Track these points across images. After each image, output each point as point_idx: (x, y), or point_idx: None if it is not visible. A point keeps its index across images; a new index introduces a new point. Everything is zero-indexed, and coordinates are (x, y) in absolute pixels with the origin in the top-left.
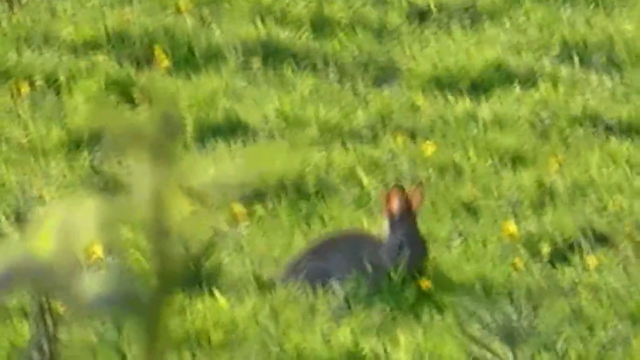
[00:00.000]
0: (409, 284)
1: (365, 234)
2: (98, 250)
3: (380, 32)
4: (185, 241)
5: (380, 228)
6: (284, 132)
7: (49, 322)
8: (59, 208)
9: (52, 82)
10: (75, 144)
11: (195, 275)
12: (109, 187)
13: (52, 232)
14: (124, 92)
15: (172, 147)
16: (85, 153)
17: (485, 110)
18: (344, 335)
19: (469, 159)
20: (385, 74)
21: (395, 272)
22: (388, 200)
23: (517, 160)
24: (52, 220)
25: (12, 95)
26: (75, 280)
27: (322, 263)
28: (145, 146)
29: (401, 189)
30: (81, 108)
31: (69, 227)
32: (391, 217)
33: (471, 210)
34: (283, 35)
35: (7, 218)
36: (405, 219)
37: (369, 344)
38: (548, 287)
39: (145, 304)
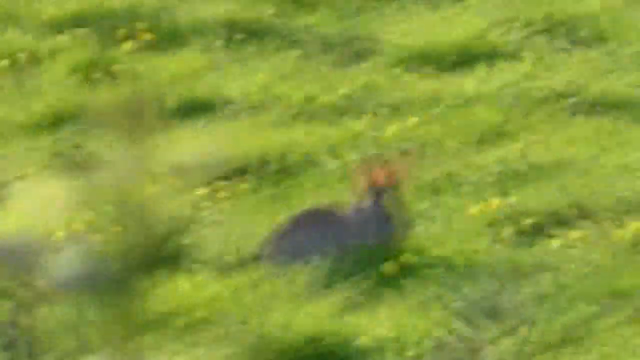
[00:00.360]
0: (390, 258)
1: (346, 207)
2: (69, 229)
3: (363, 6)
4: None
5: (362, 201)
6: (266, 107)
7: (26, 297)
8: (31, 187)
9: (32, 57)
10: (56, 120)
11: (175, 252)
12: (87, 165)
13: (22, 212)
14: (106, 68)
15: (144, 125)
16: (67, 129)
17: (468, 84)
18: (321, 309)
19: (451, 133)
20: (367, 48)
21: (380, 246)
22: (369, 172)
23: (499, 133)
24: (23, 199)
25: None
26: (45, 259)
27: (300, 236)
28: (118, 124)
29: (382, 159)
30: (62, 84)
31: (39, 206)
32: (373, 189)
33: (454, 184)
34: (266, 11)
35: None
36: (388, 190)
37: (346, 318)
38: (527, 261)
39: (116, 283)
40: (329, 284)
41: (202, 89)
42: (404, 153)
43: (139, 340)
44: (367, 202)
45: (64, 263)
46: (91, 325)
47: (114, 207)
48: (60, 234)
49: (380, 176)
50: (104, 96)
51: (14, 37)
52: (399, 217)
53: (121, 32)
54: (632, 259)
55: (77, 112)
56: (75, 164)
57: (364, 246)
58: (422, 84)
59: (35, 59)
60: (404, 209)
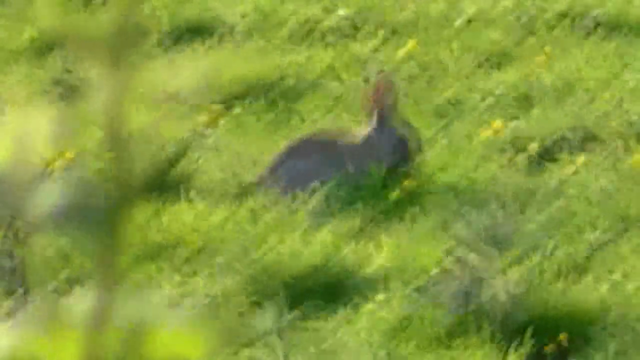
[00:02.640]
0: (392, 184)
1: (346, 131)
2: (62, 158)
3: None
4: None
5: (365, 124)
6: (261, 30)
7: (18, 229)
8: (22, 115)
9: None
10: (46, 45)
11: (170, 178)
12: (79, 91)
13: (9, 141)
14: None
15: (139, 50)
16: (56, 54)
17: (469, 5)
18: (324, 238)
19: (452, 55)
20: None
21: (386, 171)
22: (376, 91)
23: (502, 56)
24: (14, 127)
25: None
26: (37, 188)
27: (302, 163)
28: (105, 50)
29: (389, 78)
30: (51, 7)
31: (26, 135)
32: (381, 109)
33: (455, 107)
34: None
35: None
36: (395, 110)
37: (350, 247)
38: (535, 186)
39: (105, 215)
40: (331, 212)
41: (198, 12)
42: (385, 75)
43: (134, 270)
44: (375, 123)
45: (56, 192)
46: (84, 255)
47: (107, 135)
48: (53, 162)
49: (387, 94)
50: (95, 21)
51: None
52: (411, 139)
53: None
54: None
55: (66, 37)
56: (67, 91)
57: (368, 172)
58: (423, 4)
59: None
60: (414, 131)
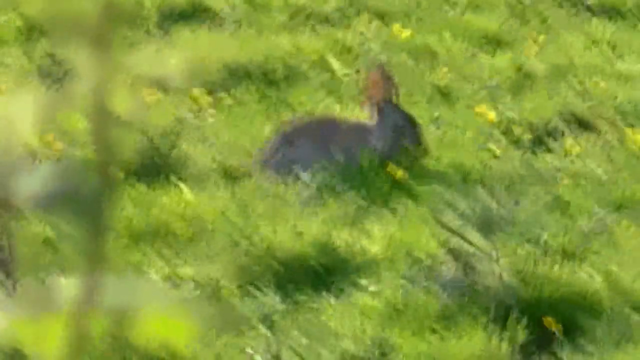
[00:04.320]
0: (382, 172)
1: (338, 119)
2: (45, 145)
3: None
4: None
5: (364, 112)
6: (250, 17)
7: (5, 216)
8: (5, 100)
9: None
10: (32, 32)
11: (159, 167)
12: (63, 76)
13: None
14: None
15: (120, 36)
16: (42, 41)
17: None
18: (315, 227)
19: (443, 42)
20: None
21: (373, 159)
22: (373, 80)
23: (494, 42)
24: None
25: None
26: (17, 177)
27: (293, 150)
28: (91, 35)
29: (385, 69)
30: None
31: (12, 121)
32: (379, 98)
33: (447, 95)
34: None
35: None
36: (391, 99)
37: (341, 236)
38: (527, 175)
39: (88, 201)
40: (319, 199)
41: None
42: (382, 66)
43: (121, 258)
44: (373, 111)
45: (43, 179)
46: (71, 242)
47: (93, 121)
48: (39, 149)
49: (385, 83)
50: (81, 5)
51: None
52: (414, 123)
53: None
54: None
55: (53, 23)
56: (53, 76)
57: (356, 159)
58: None
59: None
60: (414, 119)
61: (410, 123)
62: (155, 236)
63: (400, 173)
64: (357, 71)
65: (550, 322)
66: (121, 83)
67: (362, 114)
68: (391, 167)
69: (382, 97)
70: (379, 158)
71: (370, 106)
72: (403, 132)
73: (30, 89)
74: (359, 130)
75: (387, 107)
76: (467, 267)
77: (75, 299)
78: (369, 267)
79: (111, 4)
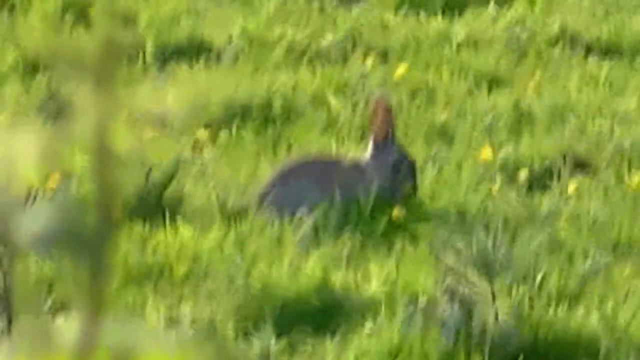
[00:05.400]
0: (380, 212)
1: (335, 157)
2: (46, 182)
3: None
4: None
5: (360, 149)
6: (249, 54)
7: (3, 253)
8: (3, 137)
9: (6, 1)
10: (30, 67)
11: (156, 204)
12: (62, 113)
13: None
14: (81, 12)
15: (118, 72)
16: (41, 77)
17: (459, 29)
18: (312, 267)
19: (442, 80)
20: None
21: (370, 197)
22: (378, 111)
23: (492, 81)
24: None
25: None
26: (17, 214)
27: (290, 189)
28: (89, 70)
29: (386, 101)
30: (36, 29)
31: (12, 158)
32: (377, 133)
33: (445, 134)
34: None
35: None
36: (392, 135)
37: (339, 275)
38: (525, 215)
39: (89, 240)
40: (319, 239)
41: (185, 34)
42: (381, 98)
43: (119, 297)
44: (373, 150)
45: (42, 217)
46: (70, 281)
47: (93, 158)
48: (39, 186)
49: (386, 118)
50: (79, 42)
51: None
52: (411, 161)
53: None
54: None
55: (51, 59)
56: (52, 113)
57: (354, 198)
58: (413, 29)
59: (8, 5)
60: (411, 158)
61: (407, 160)
62: (152, 274)
63: (397, 212)
64: (355, 105)
65: None
66: (120, 120)
67: (359, 151)
68: (388, 206)
69: (384, 132)
70: (377, 196)
71: (369, 142)
72: (400, 169)
73: (28, 124)
74: (357, 168)
75: (386, 143)
76: (465, 307)
77: (75, 340)
78: (366, 307)
79: (109, 41)
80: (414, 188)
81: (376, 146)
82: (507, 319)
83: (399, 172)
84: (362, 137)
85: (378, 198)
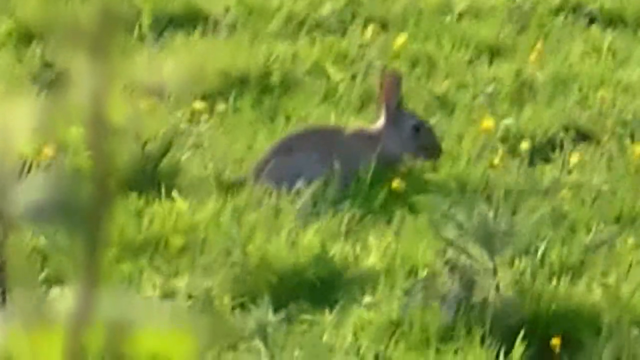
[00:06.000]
0: (380, 183)
1: (339, 127)
2: (39, 153)
3: None
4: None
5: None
6: (246, 23)
7: None
8: None
9: None
10: (25, 37)
11: (152, 176)
12: (60, 82)
13: None
14: None
15: (115, 42)
16: (36, 46)
17: None
18: (310, 239)
19: (442, 50)
20: None
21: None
22: (385, 85)
23: (493, 51)
24: None
25: None
26: (11, 187)
27: (289, 160)
28: (85, 40)
29: (398, 74)
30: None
31: (6, 129)
32: (390, 103)
33: (445, 105)
34: None
35: None
36: (401, 104)
37: (337, 248)
38: (527, 187)
39: (84, 212)
40: (317, 211)
41: (181, 4)
42: (392, 72)
43: (114, 270)
44: (384, 117)
45: (36, 189)
46: (64, 253)
47: (88, 129)
48: (33, 157)
49: (396, 89)
50: (74, 11)
51: None
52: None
53: None
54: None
55: (46, 28)
56: (47, 83)
57: (354, 169)
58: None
59: None
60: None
61: (425, 123)
62: (148, 246)
63: (397, 183)
64: (353, 77)
65: (550, 337)
66: (116, 90)
67: (361, 121)
68: (388, 177)
69: (396, 101)
70: (382, 166)
71: (380, 110)
72: (421, 132)
73: (23, 95)
74: (363, 138)
75: (399, 111)
76: (465, 280)
77: (70, 312)
78: (365, 279)
79: (106, 10)
80: (439, 149)
81: (389, 115)
82: (508, 292)
83: (421, 135)
84: (362, 108)
85: (381, 168)
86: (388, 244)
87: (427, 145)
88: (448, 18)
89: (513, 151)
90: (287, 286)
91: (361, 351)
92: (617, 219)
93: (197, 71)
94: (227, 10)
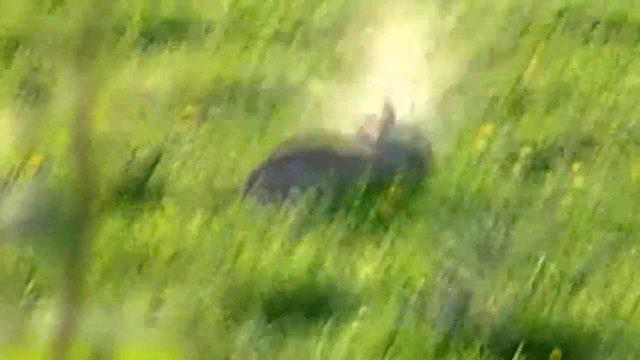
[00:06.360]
0: (375, 193)
1: (332, 139)
2: (26, 164)
3: None
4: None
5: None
6: (240, 29)
7: None
8: None
9: None
10: (9, 46)
11: (143, 187)
12: (44, 95)
13: None
14: None
15: (103, 50)
16: (21, 54)
17: (460, 2)
18: (305, 249)
19: (442, 55)
20: None
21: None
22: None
23: (493, 56)
24: None
25: None
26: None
27: (283, 170)
28: (73, 50)
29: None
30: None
31: None
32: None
33: (445, 112)
34: None
35: None
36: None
37: (332, 259)
38: (528, 196)
39: (71, 224)
40: (312, 221)
41: (174, 9)
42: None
43: (104, 283)
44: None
45: (22, 201)
46: (50, 267)
47: (74, 139)
48: (19, 168)
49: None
50: (63, 20)
51: None
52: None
53: None
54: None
55: (34, 37)
56: (33, 92)
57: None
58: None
59: None
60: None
61: (421, 133)
62: (139, 259)
63: (394, 193)
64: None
65: (550, 351)
66: (103, 99)
67: (354, 130)
68: (385, 186)
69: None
70: (377, 175)
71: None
72: (419, 140)
73: (9, 105)
74: (357, 147)
75: (393, 123)
76: (465, 292)
77: (55, 328)
78: (361, 292)
79: (94, 17)
80: (432, 164)
81: (384, 126)
82: (507, 304)
83: (415, 148)
84: (355, 117)
85: (375, 179)
86: (385, 255)
87: (420, 158)
88: (447, 22)
89: (514, 159)
90: (281, 299)
91: None
92: (618, 228)
93: (190, 78)
94: (221, 15)
